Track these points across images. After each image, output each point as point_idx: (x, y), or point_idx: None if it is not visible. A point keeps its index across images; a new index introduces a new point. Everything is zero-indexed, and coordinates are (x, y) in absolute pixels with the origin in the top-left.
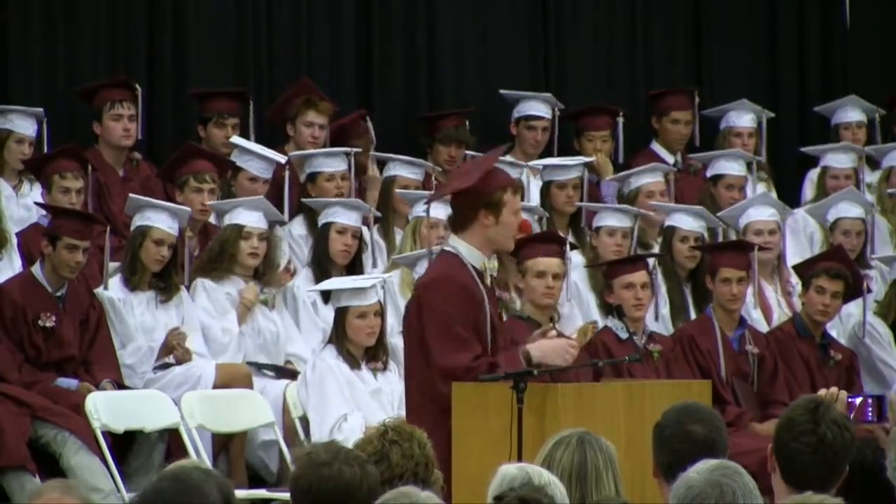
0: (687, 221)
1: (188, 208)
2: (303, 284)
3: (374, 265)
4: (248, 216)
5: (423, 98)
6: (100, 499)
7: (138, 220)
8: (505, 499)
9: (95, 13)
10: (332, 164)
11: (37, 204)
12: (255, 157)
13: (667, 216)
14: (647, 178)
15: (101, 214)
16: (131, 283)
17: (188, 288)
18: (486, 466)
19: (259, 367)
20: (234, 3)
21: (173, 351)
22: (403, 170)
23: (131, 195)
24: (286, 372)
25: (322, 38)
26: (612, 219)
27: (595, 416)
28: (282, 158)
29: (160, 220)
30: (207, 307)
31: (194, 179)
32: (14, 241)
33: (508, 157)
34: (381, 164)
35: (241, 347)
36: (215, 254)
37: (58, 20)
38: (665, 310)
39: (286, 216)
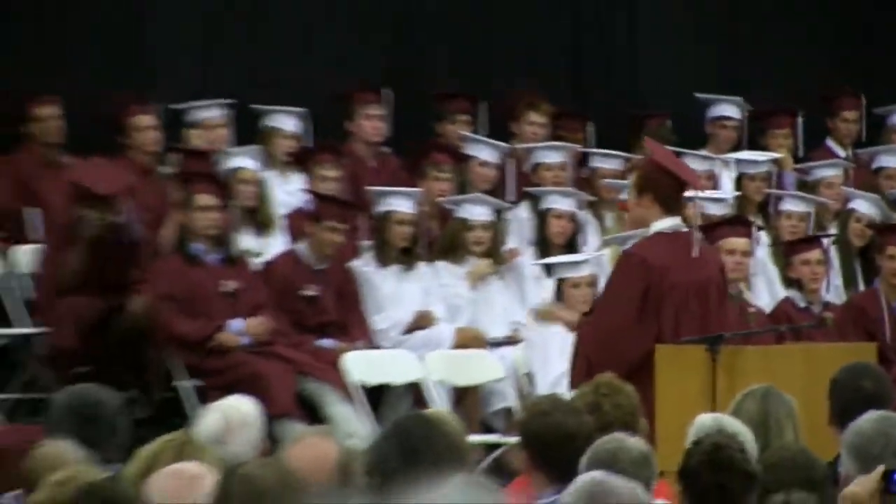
0: (864, 206)
1: (420, 189)
2: (527, 261)
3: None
4: (472, 210)
5: (629, 98)
6: (355, 443)
7: (381, 206)
8: (701, 444)
9: (349, 30)
10: (552, 156)
11: (303, 191)
12: (485, 146)
13: (848, 201)
14: (828, 171)
15: (356, 201)
16: (380, 260)
17: (429, 263)
18: (686, 417)
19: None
20: (469, 17)
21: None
22: (607, 162)
23: (370, 188)
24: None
25: (542, 44)
26: (791, 204)
27: (777, 375)
28: (507, 146)
29: (399, 203)
30: (445, 282)
31: (434, 170)
32: (280, 223)
33: (703, 151)
34: None
35: (472, 310)
36: (447, 243)
37: (315, 35)
38: (838, 282)
39: (512, 203)
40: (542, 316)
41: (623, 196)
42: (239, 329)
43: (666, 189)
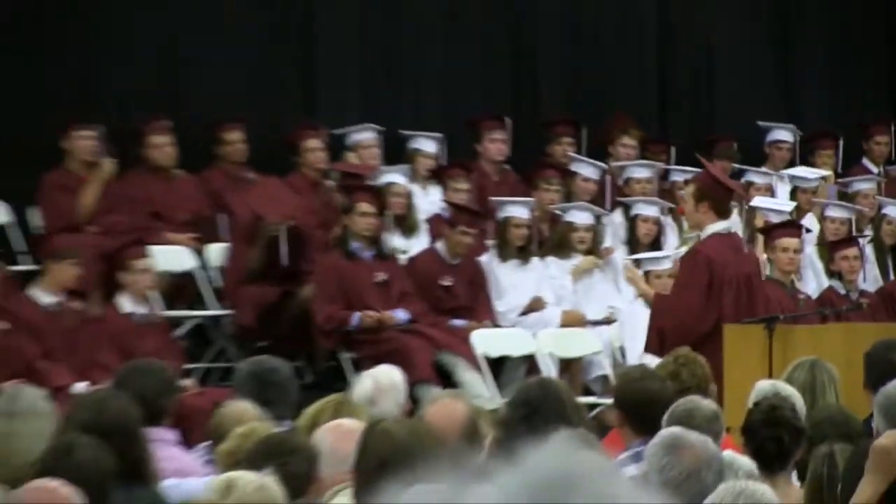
0: (895, 211)
1: (532, 199)
2: (620, 256)
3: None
4: (577, 216)
5: (704, 125)
6: (481, 403)
7: (502, 213)
8: (760, 405)
9: (477, 67)
10: (641, 172)
11: (441, 200)
12: (586, 164)
13: (881, 208)
14: (864, 185)
15: (483, 209)
16: (502, 256)
17: (541, 258)
18: (747, 383)
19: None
20: (575, 58)
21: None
22: (684, 177)
23: (494, 198)
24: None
25: (634, 81)
26: (834, 211)
27: (821, 349)
28: (604, 165)
29: (517, 210)
30: (554, 274)
31: (545, 183)
32: (422, 227)
33: (763, 168)
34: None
35: (575, 296)
36: (556, 242)
37: (449, 72)
38: (876, 272)
39: (608, 210)
40: (631, 279)
41: None
42: (357, 323)
43: (719, 198)
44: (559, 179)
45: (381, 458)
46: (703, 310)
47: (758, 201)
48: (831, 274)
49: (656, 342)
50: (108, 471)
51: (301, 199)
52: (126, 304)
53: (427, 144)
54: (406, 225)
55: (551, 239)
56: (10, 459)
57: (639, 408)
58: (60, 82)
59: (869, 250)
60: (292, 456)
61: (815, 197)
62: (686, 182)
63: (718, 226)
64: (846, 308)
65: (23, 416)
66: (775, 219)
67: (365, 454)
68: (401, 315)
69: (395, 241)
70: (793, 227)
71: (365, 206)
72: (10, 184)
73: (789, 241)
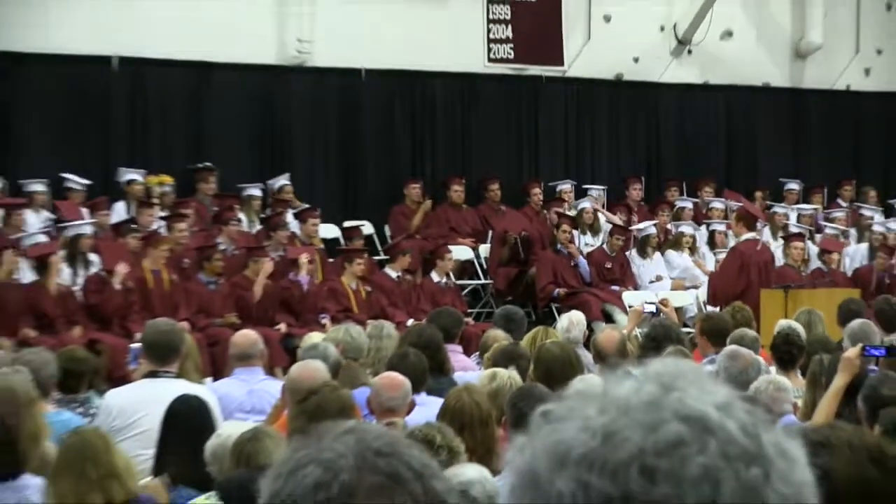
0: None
1: (655, 221)
2: (706, 251)
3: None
4: (686, 228)
5: (751, 180)
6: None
7: (641, 232)
8: (780, 333)
9: (630, 145)
10: (717, 205)
11: (606, 222)
12: (685, 201)
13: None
14: (838, 214)
15: (628, 227)
16: (639, 253)
17: (661, 253)
18: (774, 321)
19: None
20: (679, 141)
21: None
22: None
23: (635, 225)
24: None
25: (714, 156)
26: (829, 230)
27: (815, 302)
28: (696, 200)
29: (649, 229)
30: (670, 261)
31: (661, 212)
32: (604, 228)
33: (783, 204)
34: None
35: (679, 273)
36: (672, 243)
37: (610, 148)
38: (858, 263)
39: (699, 227)
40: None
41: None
42: (557, 295)
43: (749, 220)
44: (669, 210)
45: (545, 365)
46: (734, 282)
47: (789, 228)
48: (822, 262)
49: (712, 299)
50: (425, 368)
51: (529, 221)
52: (435, 276)
53: (595, 191)
54: (594, 228)
55: (667, 241)
56: (377, 363)
57: (716, 332)
58: (401, 162)
59: (865, 249)
60: (520, 360)
61: (812, 221)
62: (732, 211)
63: (748, 235)
64: (828, 280)
65: (383, 338)
66: (793, 230)
67: (536, 363)
68: (583, 262)
69: (588, 238)
70: (800, 236)
71: (565, 226)
72: (373, 211)
73: (798, 244)
